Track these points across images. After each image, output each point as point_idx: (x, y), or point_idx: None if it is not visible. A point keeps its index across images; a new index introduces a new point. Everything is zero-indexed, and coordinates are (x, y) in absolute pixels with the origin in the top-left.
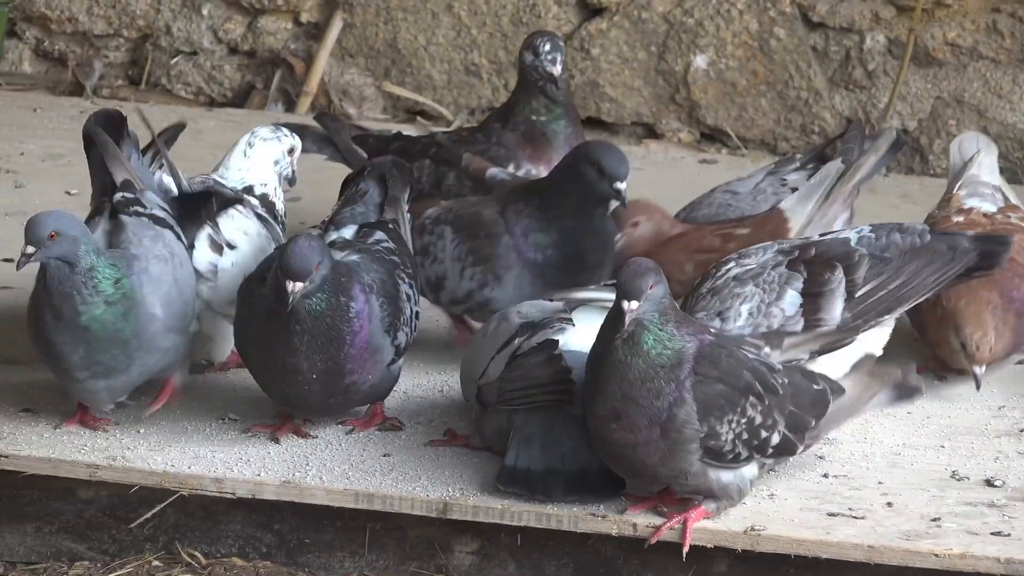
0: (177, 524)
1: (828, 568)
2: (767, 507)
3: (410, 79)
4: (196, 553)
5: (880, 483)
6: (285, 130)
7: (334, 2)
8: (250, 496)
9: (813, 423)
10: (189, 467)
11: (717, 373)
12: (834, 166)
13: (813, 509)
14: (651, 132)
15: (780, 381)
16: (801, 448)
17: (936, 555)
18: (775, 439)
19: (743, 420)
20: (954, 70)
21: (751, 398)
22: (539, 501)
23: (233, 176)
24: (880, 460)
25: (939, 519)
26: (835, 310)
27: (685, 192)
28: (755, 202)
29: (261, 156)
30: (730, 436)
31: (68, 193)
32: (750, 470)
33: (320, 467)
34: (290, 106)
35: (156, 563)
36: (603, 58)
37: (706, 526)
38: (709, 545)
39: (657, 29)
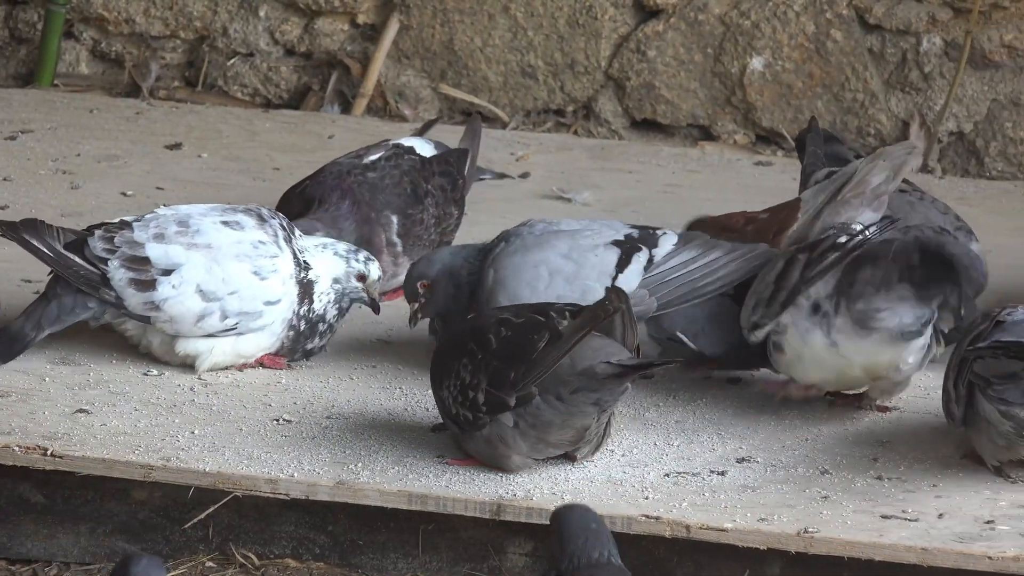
0: (231, 525)
1: (881, 570)
2: (820, 509)
3: (466, 81)
4: (250, 554)
5: (934, 486)
6: (364, 256)
7: (391, 4)
8: (304, 497)
9: None
10: (243, 468)
11: None
12: (855, 165)
13: (866, 511)
14: (707, 134)
15: None
16: None
17: (990, 558)
18: None
19: None
20: (1011, 72)
21: None
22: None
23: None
24: (934, 463)
25: (993, 522)
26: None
27: (739, 194)
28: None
29: (323, 263)
30: None
31: (124, 194)
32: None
33: (373, 468)
34: (346, 108)
35: (210, 564)
36: (659, 60)
37: (759, 528)
38: (762, 547)
39: (713, 31)
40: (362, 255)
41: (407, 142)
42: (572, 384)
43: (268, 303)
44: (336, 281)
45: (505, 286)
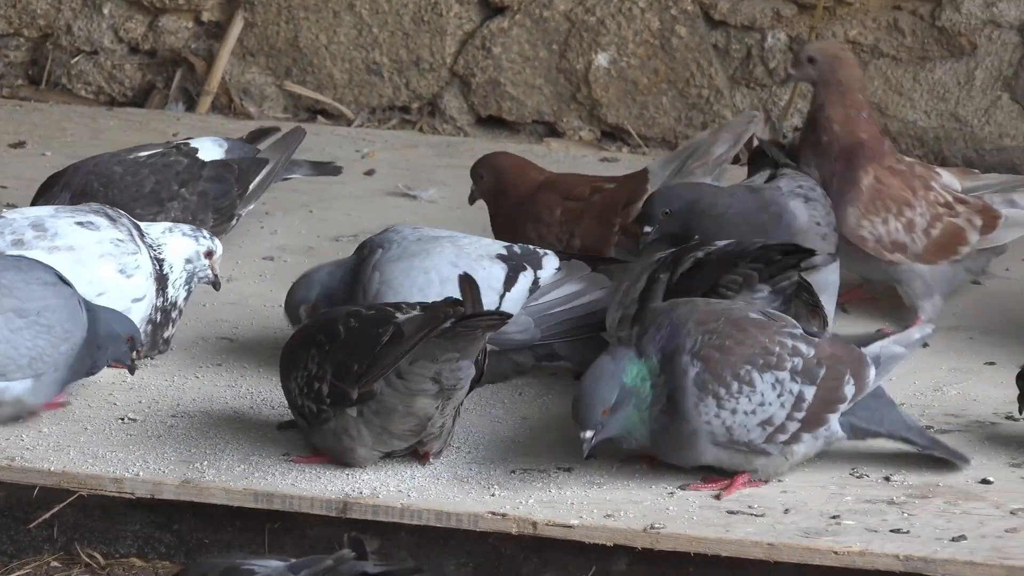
0: (76, 524)
1: (728, 566)
2: (667, 505)
3: (311, 78)
4: (95, 554)
5: (780, 481)
6: (207, 232)
7: (235, 1)
8: (149, 496)
9: None
10: (88, 467)
11: None
12: (700, 137)
13: (713, 507)
14: (552, 131)
15: None
16: None
17: (836, 553)
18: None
19: None
20: None
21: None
22: None
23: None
24: None
25: (839, 516)
26: None
27: None
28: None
29: (175, 247)
30: None
31: None
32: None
33: (219, 467)
34: (191, 105)
35: (55, 564)
36: (504, 56)
37: (606, 524)
38: (608, 543)
39: (559, 27)
40: (205, 232)
41: (196, 143)
42: (409, 355)
43: (135, 300)
44: (188, 261)
45: (394, 287)
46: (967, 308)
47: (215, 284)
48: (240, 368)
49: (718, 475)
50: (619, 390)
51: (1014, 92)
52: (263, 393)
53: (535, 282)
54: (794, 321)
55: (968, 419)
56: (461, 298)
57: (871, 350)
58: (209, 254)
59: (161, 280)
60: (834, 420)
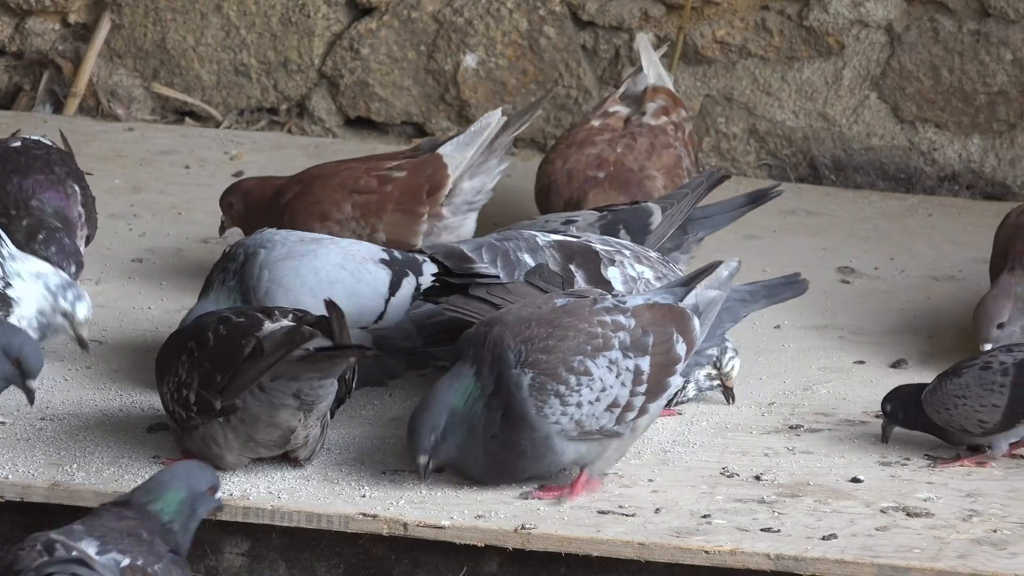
0: None
1: (599, 566)
2: (538, 505)
3: (179, 80)
4: None
5: (650, 480)
6: (76, 293)
7: (102, 3)
8: (18, 499)
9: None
10: None
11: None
12: (495, 116)
13: (584, 507)
14: (421, 131)
15: None
16: None
17: (706, 552)
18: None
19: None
20: (723, 68)
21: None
22: None
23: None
24: (650, 457)
25: (709, 516)
26: None
27: None
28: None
29: (29, 293)
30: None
31: None
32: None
33: (89, 470)
34: (58, 107)
35: None
36: (373, 58)
37: (477, 524)
38: (480, 544)
39: (427, 28)
40: (71, 293)
41: (34, 136)
42: (270, 372)
43: None
44: (41, 313)
45: (284, 286)
46: (836, 307)
47: (80, 344)
48: (109, 370)
49: (553, 481)
50: (447, 415)
51: (882, 91)
52: (132, 395)
53: (418, 288)
54: (601, 291)
55: (838, 418)
56: (328, 316)
57: (687, 302)
58: (65, 315)
59: (4, 300)
60: (674, 380)
